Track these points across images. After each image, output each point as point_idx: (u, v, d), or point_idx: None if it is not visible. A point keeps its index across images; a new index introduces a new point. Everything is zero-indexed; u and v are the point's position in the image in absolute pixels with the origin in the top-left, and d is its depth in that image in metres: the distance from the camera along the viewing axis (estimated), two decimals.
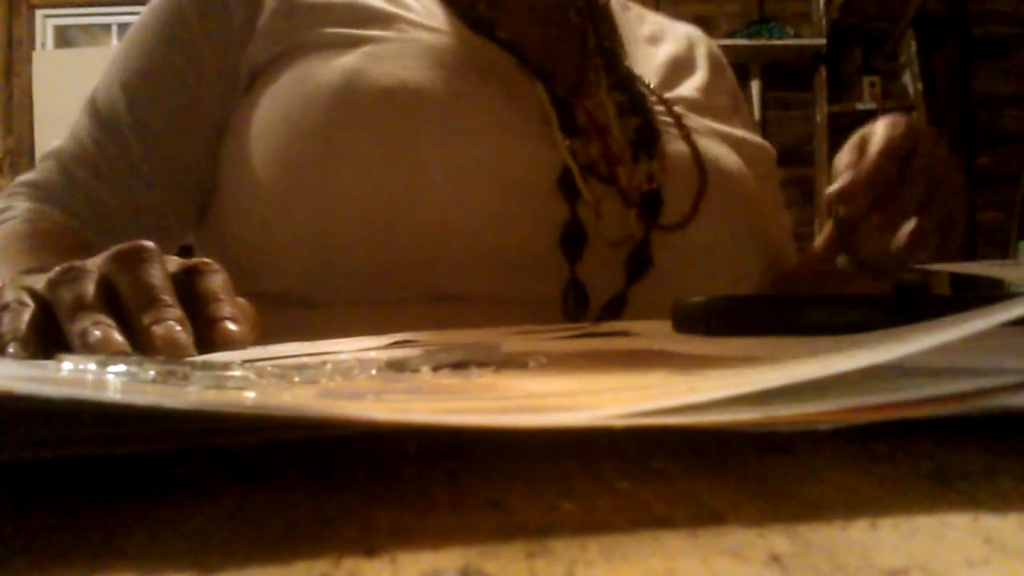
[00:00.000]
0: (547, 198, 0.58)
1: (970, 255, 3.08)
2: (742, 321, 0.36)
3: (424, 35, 0.61)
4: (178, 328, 0.36)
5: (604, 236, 0.59)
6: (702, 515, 0.13)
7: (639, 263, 0.60)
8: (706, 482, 0.15)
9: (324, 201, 0.56)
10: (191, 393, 0.19)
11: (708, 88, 0.74)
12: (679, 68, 0.75)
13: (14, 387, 0.14)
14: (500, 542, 0.12)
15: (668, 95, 0.70)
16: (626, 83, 0.68)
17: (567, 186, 0.58)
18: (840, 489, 0.15)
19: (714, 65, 0.79)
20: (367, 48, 0.58)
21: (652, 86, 0.70)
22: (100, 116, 0.63)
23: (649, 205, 0.62)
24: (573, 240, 0.58)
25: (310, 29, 0.60)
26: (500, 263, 0.57)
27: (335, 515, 0.14)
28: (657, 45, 0.77)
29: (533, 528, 0.13)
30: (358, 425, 0.14)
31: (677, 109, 0.68)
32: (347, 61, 0.57)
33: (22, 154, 3.07)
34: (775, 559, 0.11)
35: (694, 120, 0.68)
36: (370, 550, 0.12)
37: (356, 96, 0.56)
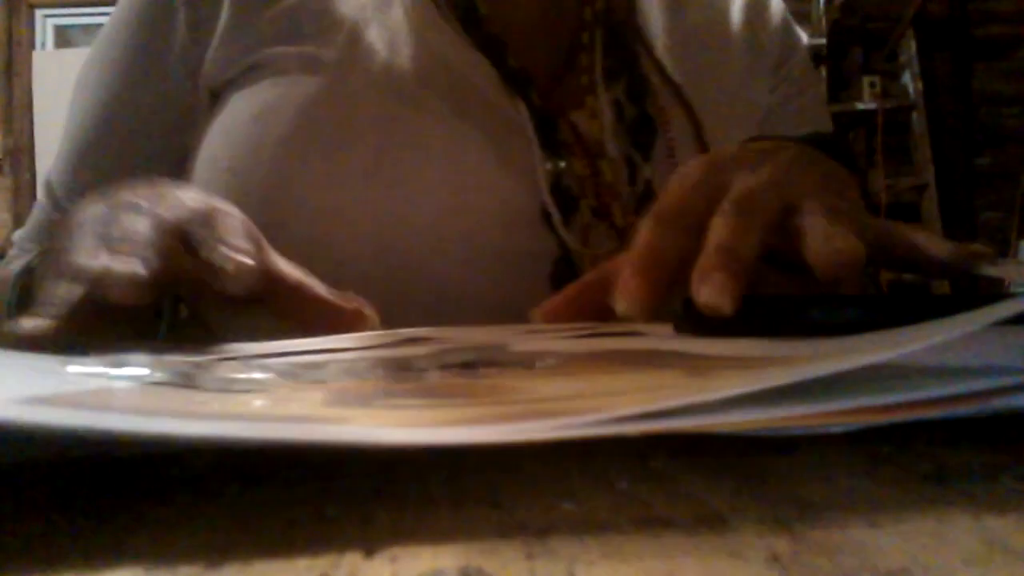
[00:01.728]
0: (535, 229, 0.54)
1: None
2: (742, 321, 0.35)
3: (391, 50, 0.56)
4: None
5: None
6: (702, 515, 0.13)
7: None
8: (706, 482, 0.15)
9: (294, 249, 0.53)
10: (200, 405, 0.18)
11: (739, 61, 0.65)
12: (703, 38, 0.65)
13: (19, 416, 0.14)
14: (500, 542, 0.12)
15: (683, 75, 0.61)
16: (629, 62, 0.61)
17: (551, 218, 0.54)
18: (840, 489, 0.15)
19: (752, 28, 0.67)
20: (326, 79, 0.54)
21: (665, 57, 0.61)
22: (55, 198, 0.61)
23: None
24: (565, 279, 0.53)
25: (269, 47, 0.56)
26: (490, 303, 0.53)
27: (335, 515, 0.14)
28: (679, 6, 0.66)
29: (533, 528, 0.13)
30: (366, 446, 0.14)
31: (689, 97, 0.60)
32: (306, 94, 0.54)
33: (22, 154, 3.07)
34: (775, 559, 0.11)
35: (712, 108, 0.60)
36: (370, 550, 0.12)
37: (315, 135, 0.53)
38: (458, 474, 0.16)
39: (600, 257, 0.55)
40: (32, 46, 3.24)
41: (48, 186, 0.62)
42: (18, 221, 2.94)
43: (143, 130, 0.59)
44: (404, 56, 0.56)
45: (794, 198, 0.37)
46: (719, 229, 0.36)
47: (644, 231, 0.38)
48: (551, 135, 0.56)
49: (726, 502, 0.14)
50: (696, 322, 0.38)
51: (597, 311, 0.39)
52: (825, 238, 0.35)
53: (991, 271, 0.41)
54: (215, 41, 0.57)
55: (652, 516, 0.13)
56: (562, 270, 0.54)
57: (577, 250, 0.55)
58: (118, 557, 0.12)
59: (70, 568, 0.12)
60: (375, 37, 0.57)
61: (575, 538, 0.12)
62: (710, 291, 0.34)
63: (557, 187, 0.55)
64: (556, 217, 0.54)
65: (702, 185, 0.39)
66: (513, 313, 0.53)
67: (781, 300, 0.40)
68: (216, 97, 0.58)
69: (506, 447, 0.14)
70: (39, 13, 3.29)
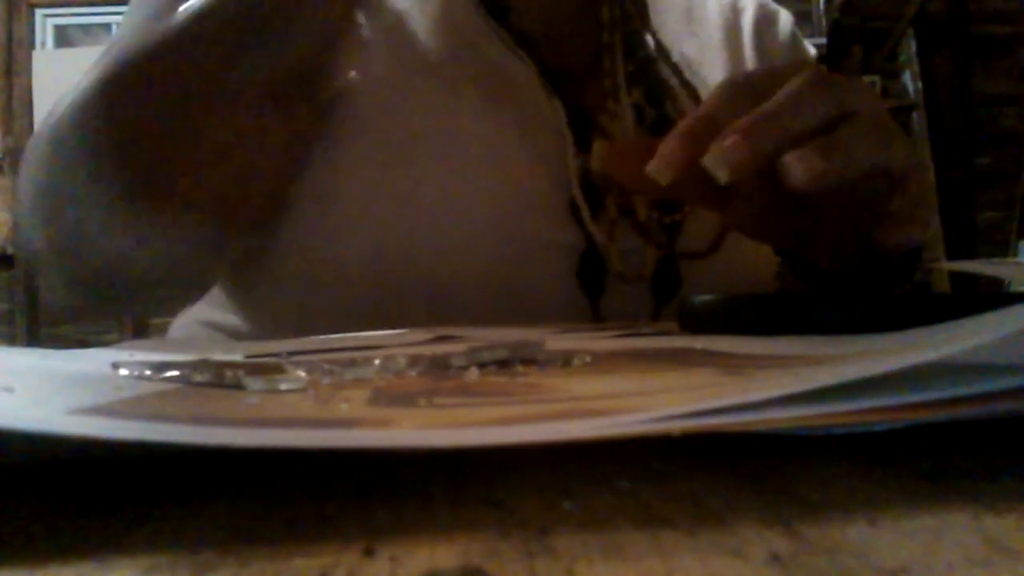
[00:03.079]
0: (562, 223, 0.55)
1: (970, 254, 3.08)
2: (742, 320, 0.35)
3: (431, 39, 0.57)
4: None
5: (624, 264, 0.55)
6: (702, 515, 0.13)
7: (668, 283, 0.56)
8: (706, 482, 0.15)
9: (313, 235, 0.52)
10: (252, 408, 0.19)
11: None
12: (716, 44, 0.66)
13: (92, 430, 0.14)
14: (500, 541, 0.12)
15: (698, 79, 0.62)
16: (647, 66, 0.62)
17: (579, 212, 0.55)
18: (840, 489, 0.15)
19: (761, 41, 0.68)
20: (369, 63, 0.54)
21: (683, 63, 0.62)
22: None
23: (672, 231, 0.57)
24: (592, 273, 0.55)
25: None
26: (513, 299, 0.53)
27: (335, 515, 0.14)
28: (693, 18, 0.67)
29: (533, 527, 0.13)
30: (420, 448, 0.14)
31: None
32: (347, 82, 0.53)
33: (22, 154, 3.07)
34: (775, 559, 0.11)
35: None
36: (370, 549, 0.12)
37: (345, 121, 0.53)
38: (458, 474, 0.16)
39: (625, 252, 0.55)
40: (32, 46, 3.24)
41: None
42: (18, 221, 2.93)
43: None
44: (445, 48, 0.57)
45: (855, 106, 0.37)
46: (782, 92, 0.36)
47: (711, 94, 0.39)
48: (583, 132, 0.57)
49: (726, 502, 0.14)
50: (696, 321, 0.38)
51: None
52: (816, 151, 0.35)
53: (991, 271, 0.41)
54: None
55: (652, 516, 0.13)
56: (588, 263, 0.55)
57: (603, 244, 0.55)
58: (118, 555, 0.12)
59: (71, 566, 0.12)
60: (417, 27, 0.57)
61: (575, 538, 0.12)
62: (713, 154, 0.35)
63: (585, 182, 0.56)
64: (585, 211, 0.55)
65: (790, 66, 0.40)
66: (537, 304, 0.54)
67: (782, 299, 0.40)
68: None
69: (505, 447, 0.14)
70: (39, 13, 3.29)
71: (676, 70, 0.62)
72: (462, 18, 0.58)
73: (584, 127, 0.57)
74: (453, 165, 0.53)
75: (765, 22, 0.70)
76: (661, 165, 0.37)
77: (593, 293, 0.55)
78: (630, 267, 0.56)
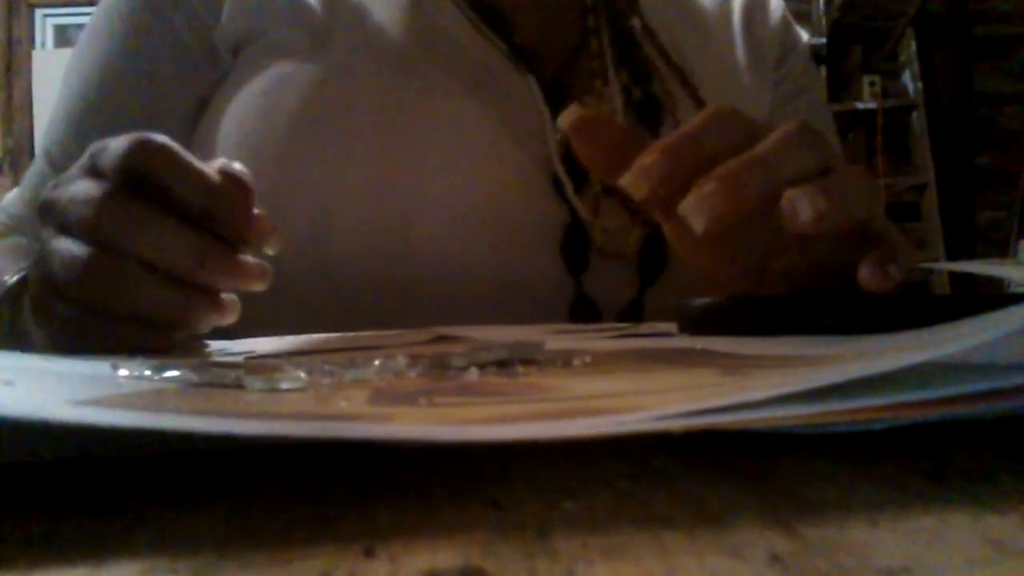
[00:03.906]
0: (546, 201, 0.54)
1: (970, 254, 3.08)
2: (741, 322, 0.36)
3: (397, 28, 0.56)
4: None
5: (608, 240, 0.55)
6: (702, 515, 0.13)
7: (653, 262, 0.56)
8: (706, 482, 0.15)
9: (303, 235, 0.52)
10: (250, 405, 0.19)
11: (740, 56, 0.66)
12: (706, 29, 0.66)
13: (93, 419, 0.14)
14: (500, 541, 0.12)
15: (688, 64, 0.62)
16: (634, 48, 0.61)
17: (562, 186, 0.55)
18: (840, 489, 0.15)
19: (751, 25, 0.68)
20: (334, 58, 0.54)
21: (670, 46, 0.62)
22: (57, 165, 0.58)
23: None
24: (575, 247, 0.54)
25: (268, 19, 0.56)
26: (501, 279, 0.53)
27: (335, 515, 0.14)
28: (681, 2, 0.67)
29: (533, 528, 0.13)
30: (419, 443, 0.14)
31: (693, 81, 0.61)
32: (314, 72, 0.53)
33: (22, 154, 3.07)
34: (775, 559, 0.11)
35: (716, 95, 0.61)
36: (370, 550, 0.12)
37: (323, 113, 0.53)
38: (458, 474, 0.16)
39: (611, 229, 0.55)
40: (32, 46, 3.24)
41: (47, 154, 0.60)
42: None
43: (150, 85, 0.58)
44: (411, 34, 0.56)
45: (835, 162, 0.36)
46: (775, 138, 0.35)
47: (699, 116, 0.37)
48: (561, 107, 0.56)
49: (726, 502, 0.14)
50: (696, 322, 0.38)
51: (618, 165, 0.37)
52: (819, 191, 0.34)
53: (991, 271, 0.40)
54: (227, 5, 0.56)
55: (652, 516, 0.13)
56: (572, 239, 0.55)
57: (588, 219, 0.55)
58: (118, 555, 0.12)
59: (70, 566, 0.12)
60: (381, 16, 0.57)
61: (575, 538, 0.12)
62: (690, 202, 0.33)
63: (568, 158, 0.55)
64: (568, 185, 0.55)
65: (779, 121, 0.39)
66: (523, 285, 0.53)
67: (782, 299, 0.40)
68: (236, 55, 0.57)
69: (505, 447, 0.14)
70: (39, 13, 3.29)
71: (663, 52, 0.62)
72: (432, 4, 0.58)
73: (563, 101, 0.57)
74: (432, 155, 0.53)
75: (755, 6, 0.70)
76: (636, 179, 0.35)
77: (576, 268, 0.55)
78: (614, 243, 0.55)
